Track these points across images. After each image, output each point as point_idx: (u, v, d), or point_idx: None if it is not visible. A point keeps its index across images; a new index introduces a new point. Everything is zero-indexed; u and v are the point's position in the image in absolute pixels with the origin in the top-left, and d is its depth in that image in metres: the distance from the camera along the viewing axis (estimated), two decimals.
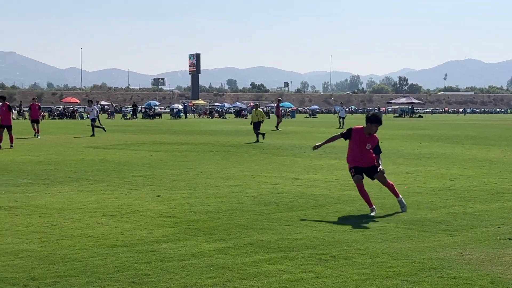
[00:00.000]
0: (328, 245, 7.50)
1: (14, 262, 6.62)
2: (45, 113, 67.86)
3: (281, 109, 45.85)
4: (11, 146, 22.98)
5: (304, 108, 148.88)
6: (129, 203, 10.45)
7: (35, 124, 30.62)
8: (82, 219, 9.04)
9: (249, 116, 77.41)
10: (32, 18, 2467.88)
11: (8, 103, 24.84)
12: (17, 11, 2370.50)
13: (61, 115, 73.59)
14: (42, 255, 6.91)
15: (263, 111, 33.69)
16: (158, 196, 11.28)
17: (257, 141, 26.81)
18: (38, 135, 30.04)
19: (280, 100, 47.69)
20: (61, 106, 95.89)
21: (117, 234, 8.01)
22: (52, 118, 70.41)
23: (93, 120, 32.42)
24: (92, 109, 33.27)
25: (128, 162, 17.74)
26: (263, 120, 28.54)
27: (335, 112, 60.14)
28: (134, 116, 74.11)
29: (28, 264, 6.52)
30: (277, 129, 39.05)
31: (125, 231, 8.23)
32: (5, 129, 23.64)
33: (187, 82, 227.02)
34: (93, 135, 31.48)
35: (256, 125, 27.85)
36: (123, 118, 72.64)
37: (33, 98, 33.57)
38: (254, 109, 29.64)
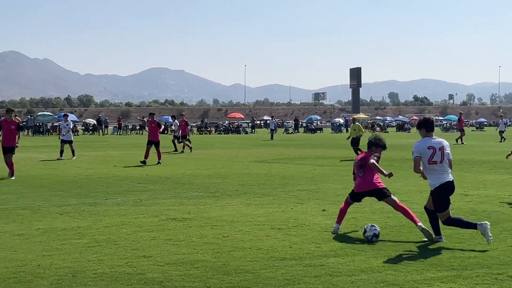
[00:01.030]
0: (504, 265, 7.12)
1: (191, 272, 6.95)
2: (192, 128, 71.08)
3: (462, 122, 43.45)
4: (159, 162, 22.64)
5: (470, 121, 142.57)
6: (296, 217, 10.60)
7: (184, 140, 30.97)
8: (252, 231, 9.30)
9: (412, 130, 75.70)
10: (200, 39, 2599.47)
11: (157, 120, 25.77)
12: (186, 34, 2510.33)
13: (227, 130, 76.43)
14: (216, 266, 7.20)
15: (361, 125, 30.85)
16: (324, 210, 11.33)
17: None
18: (189, 150, 30.55)
19: (461, 113, 45.53)
20: (227, 122, 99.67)
21: (286, 247, 8.15)
22: (218, 133, 73.33)
23: (183, 137, 31.61)
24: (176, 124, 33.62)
25: (292, 176, 18.01)
26: (361, 134, 26.25)
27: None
28: (296, 131, 75.19)
29: (204, 274, 6.82)
30: (462, 143, 37.47)
31: (293, 244, 8.35)
32: (153, 145, 23.33)
33: (347, 96, 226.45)
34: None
35: (355, 141, 25.90)
36: (285, 132, 73.97)
37: (181, 114, 34.83)
38: (352, 124, 27.72)
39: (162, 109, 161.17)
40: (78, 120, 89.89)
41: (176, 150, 30.87)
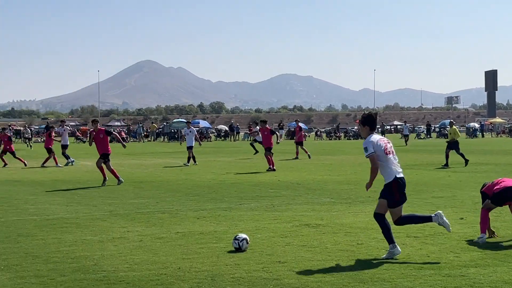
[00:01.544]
0: None
1: (326, 279, 6.93)
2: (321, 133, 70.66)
3: None
4: (271, 169, 22.67)
5: None
6: (432, 225, 10.23)
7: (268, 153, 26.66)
8: None
9: None
10: (329, 45, 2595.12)
11: (270, 127, 25.69)
12: (315, 40, 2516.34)
13: (356, 136, 75.76)
14: (351, 273, 7.14)
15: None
16: (461, 218, 10.91)
17: (446, 164, 23.76)
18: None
19: None
20: (355, 127, 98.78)
21: (423, 256, 7.93)
22: (347, 139, 72.85)
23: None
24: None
25: (426, 182, 17.53)
26: (455, 138, 24.48)
27: None
28: (428, 136, 73.05)
29: (339, 282, 6.78)
30: None
31: (431, 253, 8.11)
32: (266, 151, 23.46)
33: (482, 100, 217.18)
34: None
35: (453, 145, 24.25)
36: (417, 138, 72.14)
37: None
38: (449, 127, 26.03)
39: (291, 115, 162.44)
40: (210, 126, 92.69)
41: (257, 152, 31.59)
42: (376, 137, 8.31)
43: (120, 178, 17.74)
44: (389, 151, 8.21)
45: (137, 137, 68.73)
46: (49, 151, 26.36)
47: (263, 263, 7.71)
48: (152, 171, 23.31)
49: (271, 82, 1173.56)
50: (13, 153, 26.32)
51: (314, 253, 8.26)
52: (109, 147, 18.10)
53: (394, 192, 8.07)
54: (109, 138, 18.47)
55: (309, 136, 75.30)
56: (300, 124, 34.27)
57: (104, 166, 17.88)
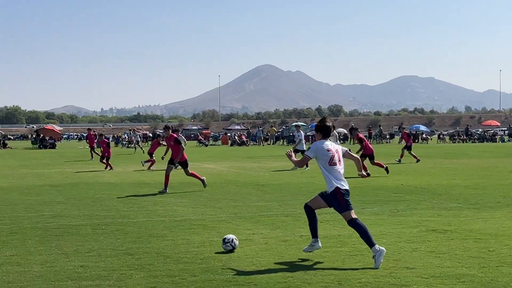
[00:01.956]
0: None
1: (457, 286, 6.73)
2: (444, 136, 68.02)
3: None
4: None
5: None
6: None
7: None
8: None
9: None
10: (451, 44, 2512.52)
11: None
12: (436, 41, 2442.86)
13: (481, 139, 72.81)
14: (483, 281, 6.88)
15: None
16: None
17: None
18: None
19: None
20: (480, 130, 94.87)
21: None
22: (472, 142, 70.14)
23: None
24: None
25: None
26: None
27: None
28: None
29: None
30: None
31: None
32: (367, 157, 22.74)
33: None
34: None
35: None
36: None
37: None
38: None
39: (411, 118, 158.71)
40: None
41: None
42: (327, 144, 8.33)
43: (166, 190, 17.07)
44: (334, 162, 8.24)
45: (257, 141, 69.73)
46: (151, 155, 27.51)
47: (390, 268, 7.59)
48: (273, 174, 23.57)
49: (390, 84, 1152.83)
50: (107, 158, 27.02)
51: (443, 260, 8.03)
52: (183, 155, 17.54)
53: (340, 200, 8.19)
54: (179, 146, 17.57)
55: (431, 139, 73.19)
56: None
57: (169, 173, 17.42)
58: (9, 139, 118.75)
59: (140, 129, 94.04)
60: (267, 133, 77.07)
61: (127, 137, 63.86)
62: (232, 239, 8.81)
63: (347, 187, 8.26)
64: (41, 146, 61.06)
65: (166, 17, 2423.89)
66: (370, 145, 23.52)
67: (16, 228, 10.96)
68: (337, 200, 8.21)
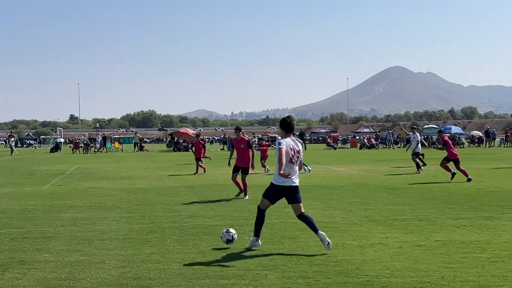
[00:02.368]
0: None
1: None
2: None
3: None
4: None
5: None
6: None
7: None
8: None
9: None
10: None
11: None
12: None
13: None
14: None
15: None
16: None
17: None
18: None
19: None
20: None
21: None
22: None
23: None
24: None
25: None
26: None
27: None
28: None
29: None
30: None
31: None
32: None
33: None
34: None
35: None
36: None
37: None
38: None
39: None
40: (463, 132, 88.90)
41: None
42: (289, 142, 9.05)
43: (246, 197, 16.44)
44: (294, 161, 9.01)
45: (387, 144, 68.49)
46: (200, 160, 27.23)
47: None
48: (404, 177, 23.03)
49: None
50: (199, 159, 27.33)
51: None
52: (249, 160, 16.56)
53: (272, 191, 9.20)
54: (250, 151, 16.57)
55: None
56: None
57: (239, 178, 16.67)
58: (146, 142, 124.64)
59: (270, 133, 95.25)
60: (397, 136, 75.54)
61: (256, 140, 65.01)
62: (228, 232, 9.39)
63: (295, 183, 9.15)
64: (175, 149, 63.52)
65: (295, 21, 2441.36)
66: (454, 150, 22.08)
67: (155, 227, 11.46)
68: (271, 189, 9.25)
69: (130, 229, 11.24)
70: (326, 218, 12.47)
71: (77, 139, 78.19)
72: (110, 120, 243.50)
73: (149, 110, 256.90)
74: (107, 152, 62.68)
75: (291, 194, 9.19)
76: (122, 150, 65.99)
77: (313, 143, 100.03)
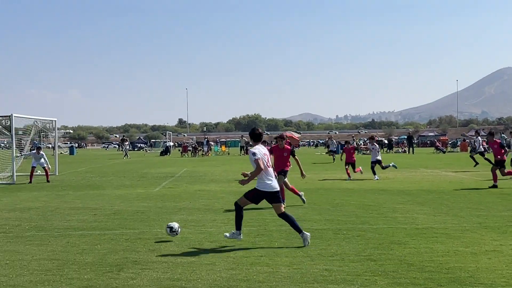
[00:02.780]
0: None
1: None
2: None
3: None
4: None
5: None
6: None
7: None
8: None
9: None
10: None
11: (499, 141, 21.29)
12: None
13: None
14: None
15: None
16: None
17: None
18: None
19: None
20: None
21: None
22: None
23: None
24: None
25: None
26: None
27: None
28: None
29: None
30: None
31: None
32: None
33: None
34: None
35: None
36: None
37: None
38: None
39: None
40: None
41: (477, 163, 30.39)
42: (260, 149, 10.05)
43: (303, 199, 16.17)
44: (269, 165, 10.06)
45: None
46: (353, 165, 26.00)
47: None
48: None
49: None
50: (353, 165, 26.17)
51: None
52: (288, 163, 16.27)
53: (255, 194, 10.00)
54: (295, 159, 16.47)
55: None
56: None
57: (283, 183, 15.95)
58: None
59: (376, 136, 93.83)
60: (510, 140, 72.24)
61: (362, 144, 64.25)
62: (177, 228, 10.60)
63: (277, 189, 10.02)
64: None
65: (403, 23, 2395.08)
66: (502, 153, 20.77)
67: (263, 230, 11.59)
68: (253, 192, 10.02)
69: None
70: (436, 224, 12.13)
71: (186, 142, 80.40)
72: (217, 124, 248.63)
73: (254, 114, 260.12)
74: (214, 155, 64.02)
75: (272, 197, 9.99)
76: (228, 154, 67.16)
77: (421, 146, 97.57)
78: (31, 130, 32.10)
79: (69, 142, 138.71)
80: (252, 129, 10.40)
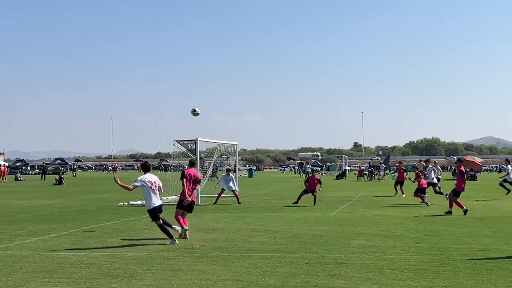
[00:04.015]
0: None
1: None
2: None
3: None
4: None
5: None
6: None
7: None
8: None
9: None
10: None
11: None
12: None
13: None
14: None
15: None
16: None
17: None
18: None
19: None
20: None
21: None
22: None
23: None
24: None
25: None
26: None
27: None
28: None
29: None
30: None
31: None
32: None
33: None
34: None
35: None
36: None
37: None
38: None
39: None
40: None
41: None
42: (146, 177, 13.44)
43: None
44: (154, 190, 13.35)
45: None
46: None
47: None
48: None
49: None
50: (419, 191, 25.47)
51: None
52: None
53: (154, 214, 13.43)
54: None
55: None
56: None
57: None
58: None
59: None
60: None
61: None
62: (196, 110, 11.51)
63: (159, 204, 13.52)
64: None
65: None
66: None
67: (446, 259, 11.15)
68: (150, 214, 13.55)
69: (420, 259, 11.10)
70: None
71: (361, 166, 79.84)
72: (393, 148, 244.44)
73: (432, 138, 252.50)
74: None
75: (159, 211, 13.45)
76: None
77: None
78: (214, 154, 33.73)
79: (247, 165, 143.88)
80: (143, 163, 13.81)
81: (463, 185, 20.30)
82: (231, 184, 27.39)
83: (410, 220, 18.57)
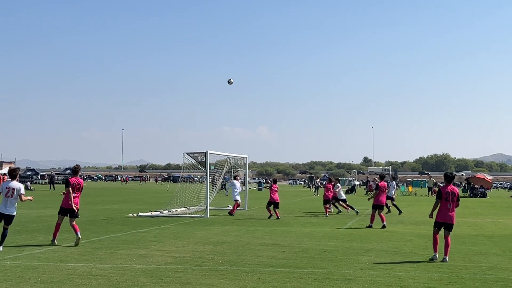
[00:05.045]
0: None
1: None
2: None
3: None
4: None
5: None
6: None
7: None
8: None
9: None
10: None
11: None
12: None
13: None
14: None
15: None
16: None
17: None
18: None
19: None
20: None
21: None
22: None
23: None
24: None
25: None
26: None
27: None
28: None
29: None
30: None
31: None
32: None
33: None
34: None
35: None
36: None
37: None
38: None
39: None
40: None
41: None
42: (7, 184, 14.05)
43: None
44: (9, 196, 14.02)
45: None
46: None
47: None
48: None
49: None
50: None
51: None
52: None
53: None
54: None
55: None
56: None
57: None
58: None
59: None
60: None
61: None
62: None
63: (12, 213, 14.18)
64: (471, 195, 61.00)
65: None
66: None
67: (454, 277, 11.11)
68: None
69: (429, 277, 11.07)
70: None
71: (370, 181, 79.57)
72: (403, 163, 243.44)
73: (442, 154, 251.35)
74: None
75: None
76: (415, 194, 65.35)
77: None
78: (224, 166, 33.76)
79: (256, 178, 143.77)
80: (11, 169, 14.21)
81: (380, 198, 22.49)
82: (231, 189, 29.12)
83: (420, 237, 18.51)
